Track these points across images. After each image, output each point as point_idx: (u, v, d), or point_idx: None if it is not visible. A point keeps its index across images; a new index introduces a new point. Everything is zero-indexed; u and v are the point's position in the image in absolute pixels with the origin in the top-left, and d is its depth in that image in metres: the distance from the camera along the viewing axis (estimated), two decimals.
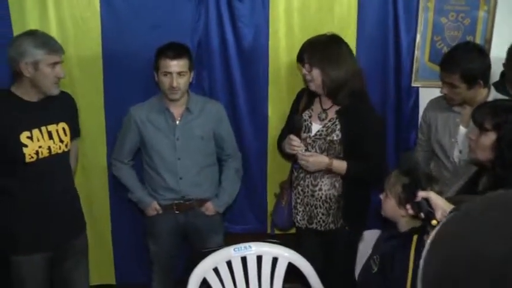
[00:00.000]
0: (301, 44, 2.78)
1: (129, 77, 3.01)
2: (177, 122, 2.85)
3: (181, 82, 2.75)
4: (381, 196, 2.25)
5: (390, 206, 2.20)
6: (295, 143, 2.73)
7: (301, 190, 2.86)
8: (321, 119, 2.78)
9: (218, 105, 2.99)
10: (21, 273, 2.62)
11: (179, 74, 2.73)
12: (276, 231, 3.22)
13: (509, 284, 0.59)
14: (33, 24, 2.84)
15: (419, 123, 3.12)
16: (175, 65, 2.71)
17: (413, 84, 3.21)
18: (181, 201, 2.92)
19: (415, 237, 2.08)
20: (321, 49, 2.67)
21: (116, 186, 3.16)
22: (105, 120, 3.10)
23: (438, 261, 0.68)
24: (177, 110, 2.86)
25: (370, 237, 2.94)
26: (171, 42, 2.76)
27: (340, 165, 2.69)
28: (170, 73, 2.71)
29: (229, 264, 2.52)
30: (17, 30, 2.81)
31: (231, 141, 3.03)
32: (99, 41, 2.96)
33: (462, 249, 0.65)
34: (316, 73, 2.67)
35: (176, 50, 2.73)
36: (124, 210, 3.24)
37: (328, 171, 2.73)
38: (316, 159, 2.70)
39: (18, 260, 2.61)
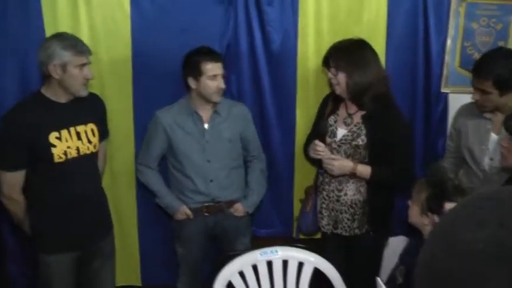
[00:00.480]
0: (326, 50, 2.78)
1: (158, 79, 3.03)
2: (206, 125, 2.86)
3: (224, 84, 2.80)
4: (409, 202, 2.24)
5: (414, 213, 2.18)
6: (319, 148, 2.73)
7: (327, 195, 2.85)
8: (346, 124, 2.77)
9: (244, 107, 3.00)
10: (48, 272, 2.65)
11: (222, 75, 2.77)
12: (301, 236, 3.21)
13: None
14: (65, 26, 2.87)
15: (448, 129, 3.07)
16: (221, 67, 2.76)
17: (443, 90, 3.17)
18: (211, 204, 2.93)
19: None
20: (346, 53, 2.67)
21: (143, 190, 3.18)
22: (134, 123, 3.12)
23: (427, 248, 0.75)
24: (205, 113, 2.87)
25: (395, 244, 2.93)
26: (203, 46, 2.77)
27: (365, 170, 2.68)
28: (217, 76, 2.74)
29: (254, 268, 2.52)
30: (49, 32, 2.85)
31: (256, 142, 3.04)
32: (129, 43, 2.99)
33: (441, 233, 0.72)
34: (341, 77, 2.66)
35: (216, 53, 2.77)
36: (150, 212, 3.25)
37: (353, 175, 2.72)
38: (341, 164, 2.69)
39: (46, 259, 2.64)
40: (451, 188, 2.05)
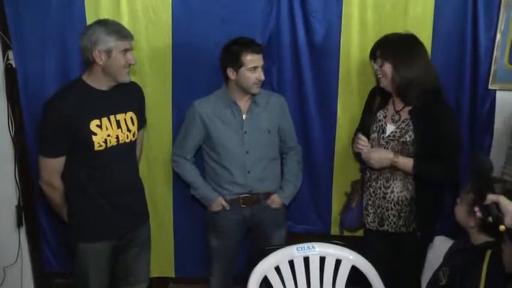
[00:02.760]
0: (374, 41, 2.71)
1: (197, 69, 3.01)
2: (244, 116, 2.83)
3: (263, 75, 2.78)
4: (458, 200, 2.18)
5: (461, 213, 2.12)
6: (362, 142, 2.69)
7: (373, 192, 2.79)
8: (394, 121, 2.71)
9: (282, 98, 2.97)
10: (85, 260, 2.66)
11: (262, 67, 2.74)
12: (344, 233, 3.17)
13: None
14: (106, 16, 2.88)
15: (496, 128, 2.93)
16: (261, 59, 2.73)
17: (491, 87, 3.05)
18: (248, 195, 2.89)
19: (488, 253, 1.97)
20: (395, 45, 2.61)
21: (180, 181, 3.17)
22: (172, 112, 3.11)
23: None
24: (244, 104, 2.84)
25: (439, 244, 2.86)
26: (243, 37, 2.74)
27: (406, 162, 2.61)
28: (257, 67, 2.71)
29: (291, 263, 2.49)
30: (90, 22, 2.86)
31: (292, 133, 3.01)
32: (169, 33, 2.98)
33: None
34: (387, 68, 2.60)
35: (257, 44, 2.73)
36: (187, 204, 3.24)
37: (394, 168, 2.65)
38: (380, 155, 2.64)
39: (84, 247, 2.65)
40: (493, 180, 1.98)
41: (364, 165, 2.78)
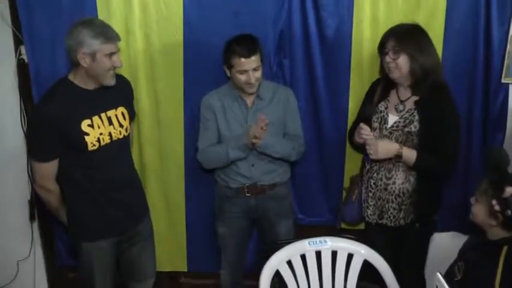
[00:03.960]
0: (381, 35, 2.71)
1: (209, 63, 3.00)
2: (249, 110, 2.85)
3: (257, 75, 2.75)
4: (471, 200, 2.15)
5: (481, 213, 2.09)
6: (365, 132, 2.67)
7: (374, 183, 2.79)
8: (398, 111, 2.71)
9: (288, 90, 2.96)
10: (89, 259, 2.67)
11: (255, 69, 2.72)
12: (343, 226, 3.16)
13: None
14: (117, 10, 2.89)
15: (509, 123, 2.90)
16: (252, 62, 2.70)
17: (504, 81, 3.01)
18: (252, 184, 2.91)
19: (504, 248, 1.96)
20: (410, 36, 2.60)
21: (192, 175, 3.18)
22: (184, 107, 3.11)
23: None
24: (249, 98, 2.86)
25: (441, 240, 2.87)
26: (240, 36, 2.73)
27: (411, 153, 2.61)
28: (246, 71, 2.70)
29: (303, 257, 2.49)
30: (102, 15, 2.87)
31: (296, 126, 2.96)
32: (181, 27, 2.98)
33: None
34: (403, 60, 2.59)
35: (249, 46, 2.69)
36: (199, 198, 3.26)
37: (398, 158, 2.64)
38: (386, 145, 2.63)
39: (86, 246, 2.66)
40: (508, 171, 1.96)
41: (366, 155, 2.75)
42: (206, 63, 3.02)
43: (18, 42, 3.03)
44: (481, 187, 2.11)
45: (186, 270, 3.47)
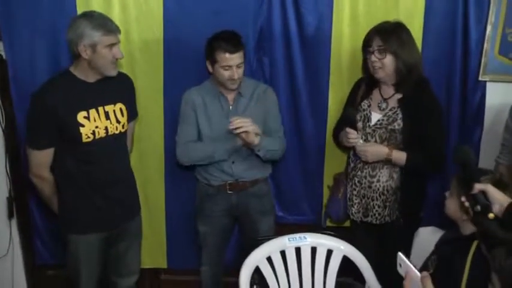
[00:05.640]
0: (367, 32, 2.71)
1: (189, 61, 3.00)
2: (230, 107, 2.85)
3: (240, 72, 2.76)
4: (446, 194, 2.18)
5: (453, 207, 2.12)
6: (352, 136, 2.68)
7: (358, 181, 2.80)
8: (381, 109, 2.73)
9: (269, 89, 2.96)
10: (77, 252, 2.67)
11: (238, 66, 2.73)
12: (329, 224, 3.17)
13: None
14: (96, 6, 2.87)
15: (506, 121, 2.92)
16: (236, 58, 2.70)
17: (481, 78, 3.05)
18: (234, 182, 2.91)
19: (474, 244, 1.98)
20: (394, 35, 2.60)
21: (172, 171, 3.18)
22: (164, 104, 3.10)
23: None
24: (230, 95, 2.87)
25: (425, 234, 2.88)
26: (224, 32, 2.73)
27: (400, 155, 2.63)
28: (231, 66, 2.70)
29: (282, 254, 2.50)
30: (81, 12, 2.84)
31: (276, 123, 2.95)
32: (160, 24, 2.97)
33: None
34: (388, 59, 2.60)
35: (234, 42, 2.70)
36: (179, 195, 3.25)
37: (387, 161, 2.67)
38: (376, 149, 2.66)
39: (75, 238, 2.65)
40: (480, 172, 1.99)
41: (355, 155, 2.77)
42: (186, 60, 3.01)
43: None
44: (452, 183, 2.14)
45: (165, 267, 3.47)
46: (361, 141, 2.70)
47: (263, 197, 3.01)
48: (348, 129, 2.70)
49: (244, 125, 2.68)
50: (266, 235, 2.78)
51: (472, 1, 2.93)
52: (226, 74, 2.73)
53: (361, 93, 2.81)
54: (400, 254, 1.65)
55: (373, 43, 2.63)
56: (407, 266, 1.60)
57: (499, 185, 1.94)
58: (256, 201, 2.98)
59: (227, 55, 2.68)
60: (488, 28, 2.97)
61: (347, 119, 2.78)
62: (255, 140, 2.74)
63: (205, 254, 3.10)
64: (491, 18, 2.95)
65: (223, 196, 2.94)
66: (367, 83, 2.80)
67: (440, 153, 2.68)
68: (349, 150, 2.87)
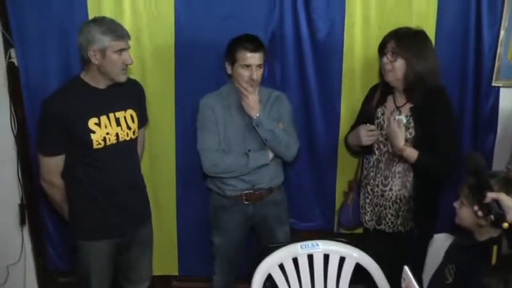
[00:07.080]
0: (378, 38, 2.70)
1: (200, 66, 3.00)
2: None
3: (259, 74, 2.73)
4: (455, 204, 2.15)
5: (467, 216, 2.09)
6: (370, 133, 2.68)
7: (371, 190, 2.78)
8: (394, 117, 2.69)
9: (282, 95, 2.94)
10: (87, 259, 2.66)
11: (258, 66, 2.71)
12: (342, 231, 3.16)
13: None
14: (108, 12, 2.88)
15: (499, 124, 2.91)
16: (256, 58, 2.69)
17: (494, 84, 3.04)
18: (251, 191, 2.88)
19: (495, 248, 1.95)
20: (409, 40, 2.58)
21: (183, 177, 3.18)
22: (175, 110, 3.10)
23: None
24: None
25: (439, 241, 2.83)
26: (247, 34, 2.73)
27: (412, 152, 2.58)
28: (250, 66, 2.68)
29: (295, 261, 2.48)
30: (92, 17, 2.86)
31: (290, 130, 2.91)
32: (172, 30, 2.97)
33: None
34: (399, 63, 2.57)
35: (255, 42, 2.70)
36: (190, 201, 3.24)
37: (399, 156, 2.63)
38: (398, 133, 2.58)
39: (84, 244, 2.65)
40: (488, 176, 1.94)
41: (368, 155, 2.76)
42: (198, 66, 3.01)
43: (8, 45, 3.01)
44: (463, 191, 2.11)
45: (177, 274, 3.46)
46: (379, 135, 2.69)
47: (279, 205, 2.98)
48: (364, 126, 2.70)
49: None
50: (281, 242, 2.76)
51: (485, 5, 2.91)
52: (246, 73, 2.70)
53: (376, 99, 2.80)
54: (406, 267, 1.63)
55: (388, 45, 2.61)
56: (410, 280, 1.58)
57: (510, 184, 1.94)
58: (273, 210, 2.96)
59: (248, 54, 2.67)
60: (502, 33, 2.95)
61: (365, 117, 2.78)
62: None
63: (218, 264, 3.07)
64: (505, 22, 2.94)
65: (240, 207, 2.91)
66: (381, 90, 2.78)
67: (452, 157, 2.62)
68: (361, 156, 2.84)
